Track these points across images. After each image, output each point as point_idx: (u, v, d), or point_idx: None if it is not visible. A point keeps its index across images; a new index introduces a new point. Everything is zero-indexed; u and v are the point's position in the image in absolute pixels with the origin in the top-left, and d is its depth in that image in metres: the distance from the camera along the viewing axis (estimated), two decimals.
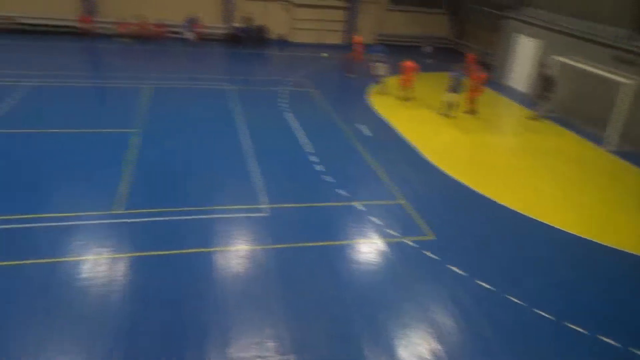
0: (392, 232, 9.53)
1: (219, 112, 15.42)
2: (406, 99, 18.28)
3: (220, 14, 25.95)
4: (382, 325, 7.10)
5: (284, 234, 9.14)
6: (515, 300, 7.85)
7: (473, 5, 26.20)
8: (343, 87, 20.52)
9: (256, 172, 11.42)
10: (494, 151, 14.36)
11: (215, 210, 9.69)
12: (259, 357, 6.38)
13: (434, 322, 7.27)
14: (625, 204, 11.63)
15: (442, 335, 7.02)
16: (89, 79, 18.23)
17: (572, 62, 16.61)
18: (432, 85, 19.84)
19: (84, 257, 7.94)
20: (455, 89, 16.26)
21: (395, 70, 18.59)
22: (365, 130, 14.87)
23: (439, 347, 6.82)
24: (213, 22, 25.76)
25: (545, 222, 10.43)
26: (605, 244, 9.82)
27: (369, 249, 8.99)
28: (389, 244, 9.12)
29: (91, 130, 13.01)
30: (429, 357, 6.63)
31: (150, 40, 24.13)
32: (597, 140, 15.62)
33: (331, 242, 9.04)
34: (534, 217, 10.58)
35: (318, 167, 12.00)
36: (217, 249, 8.50)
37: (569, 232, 10.14)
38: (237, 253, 8.47)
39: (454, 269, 8.53)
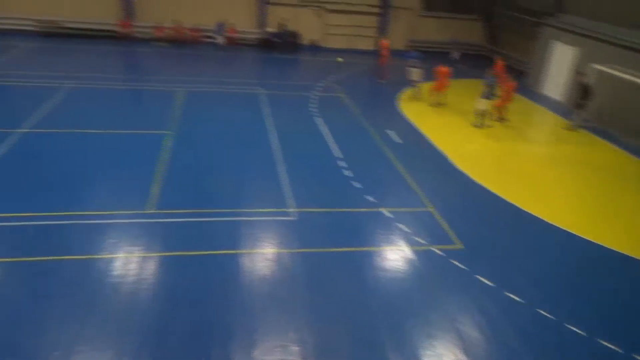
0: (419, 239, 9.44)
1: (250, 115, 15.62)
2: (438, 105, 18.13)
3: (253, 19, 26.31)
4: (408, 334, 7.04)
5: (311, 238, 9.18)
6: (546, 314, 7.65)
7: (508, 12, 25.77)
8: (373, 93, 20.48)
9: (285, 176, 11.51)
10: (526, 160, 14.06)
11: (243, 212, 9.81)
12: None
13: (460, 332, 7.16)
14: None
15: (468, 347, 6.91)
16: (126, 81, 18.76)
17: (610, 71, 16.12)
18: (462, 92, 19.64)
19: (116, 255, 8.16)
20: (488, 95, 16.01)
21: (430, 75, 18.47)
22: (395, 136, 14.79)
23: (465, 358, 6.72)
24: (247, 28, 26.15)
25: (577, 234, 10.14)
26: None
27: (396, 256, 8.92)
28: (416, 252, 9.04)
29: (127, 132, 13.37)
30: None
31: (185, 44, 24.70)
32: (636, 152, 15.10)
33: (358, 248, 9.02)
34: (566, 229, 10.30)
35: (346, 173, 12.01)
36: (244, 251, 8.60)
37: (603, 245, 9.84)
38: (264, 256, 8.55)
39: (482, 279, 8.39)
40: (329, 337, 6.87)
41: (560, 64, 20.43)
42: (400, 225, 9.87)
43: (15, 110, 14.26)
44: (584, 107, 16.70)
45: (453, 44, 25.81)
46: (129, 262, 8.01)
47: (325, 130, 14.83)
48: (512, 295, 8.03)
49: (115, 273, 7.73)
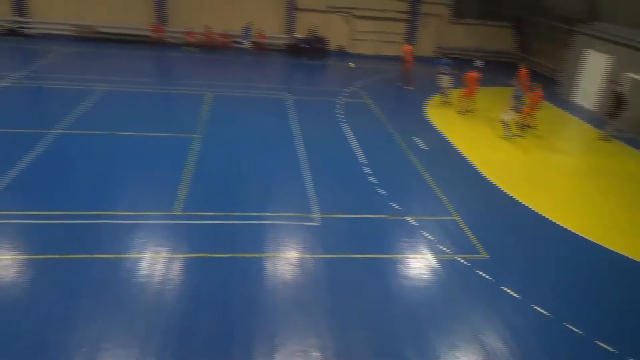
0: (444, 248, 9.33)
1: (276, 120, 15.76)
2: (466, 112, 17.94)
3: (282, 25, 26.58)
4: (430, 344, 6.96)
5: (334, 244, 9.18)
6: (574, 329, 7.45)
7: (539, 19, 25.34)
8: (400, 99, 20.40)
9: (310, 181, 11.56)
10: (556, 170, 13.75)
11: (268, 216, 9.89)
12: None
13: (484, 344, 7.04)
14: None
15: (492, 359, 6.78)
16: (156, 85, 19.17)
17: None
18: (490, 99, 19.39)
19: (143, 255, 8.33)
20: (516, 107, 15.65)
21: (459, 83, 18.32)
22: (421, 143, 14.69)
23: None
24: (275, 33, 26.43)
25: (608, 247, 9.85)
26: None
27: (420, 264, 8.84)
28: (440, 261, 8.94)
29: (156, 134, 13.66)
30: None
31: (215, 49, 25.13)
32: None
33: (381, 255, 8.98)
34: (597, 242, 10.03)
35: (371, 179, 11.97)
36: (268, 254, 8.66)
37: (635, 259, 9.53)
38: (287, 260, 8.59)
39: (508, 290, 8.23)
40: (350, 344, 6.84)
41: (593, 73, 19.94)
42: (425, 234, 9.79)
43: (52, 112, 14.76)
44: (618, 117, 16.24)
45: (477, 51, 25.50)
46: (155, 263, 8.17)
47: (351, 136, 14.84)
48: (538, 308, 7.86)
49: (141, 273, 7.88)
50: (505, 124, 15.63)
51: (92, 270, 7.85)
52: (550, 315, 7.73)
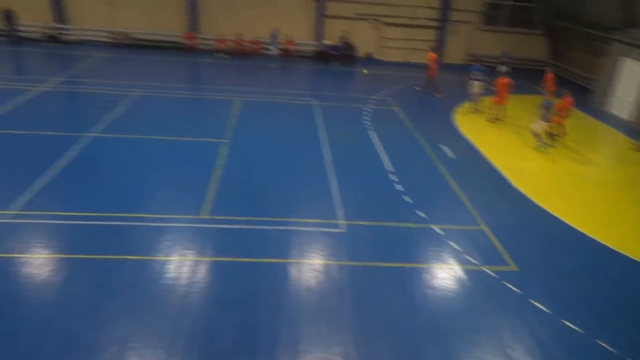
0: (471, 259, 9.19)
1: (304, 126, 15.85)
2: (495, 120, 17.68)
3: (311, 32, 26.78)
4: (454, 356, 6.86)
5: (359, 251, 9.16)
6: (606, 346, 7.23)
7: (573, 26, 24.80)
8: (428, 106, 20.25)
9: (336, 188, 11.57)
10: (588, 181, 13.39)
11: (293, 222, 9.94)
12: None
13: (510, 358, 6.89)
14: None
15: None
16: (187, 90, 19.57)
17: None
18: (520, 107, 19.07)
19: (170, 258, 8.49)
20: (545, 117, 15.21)
21: (490, 90, 18.09)
22: (449, 151, 14.53)
23: None
24: (304, 39, 26.64)
25: None
26: None
27: (446, 274, 8.73)
28: (466, 271, 8.81)
29: (186, 139, 13.92)
30: None
31: (245, 56, 25.51)
32: None
33: (406, 264, 8.90)
34: (630, 256, 9.71)
35: (398, 187, 11.91)
36: (293, 260, 8.70)
37: None
38: (312, 267, 8.61)
39: (537, 304, 8.04)
40: (373, 353, 6.81)
41: (629, 82, 19.37)
42: (451, 243, 9.66)
43: (87, 116, 15.22)
44: None
45: (502, 57, 25.07)
46: (182, 265, 8.31)
47: (377, 143, 14.80)
48: (568, 323, 7.65)
49: (169, 275, 8.03)
50: (536, 135, 15.26)
51: (122, 271, 8.04)
52: (581, 330, 7.52)
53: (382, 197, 11.41)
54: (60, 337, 6.62)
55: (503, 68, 22.84)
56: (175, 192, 10.85)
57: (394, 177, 12.43)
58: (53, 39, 25.04)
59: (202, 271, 8.21)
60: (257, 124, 15.72)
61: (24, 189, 10.31)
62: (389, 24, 26.98)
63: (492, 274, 8.78)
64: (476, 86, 18.69)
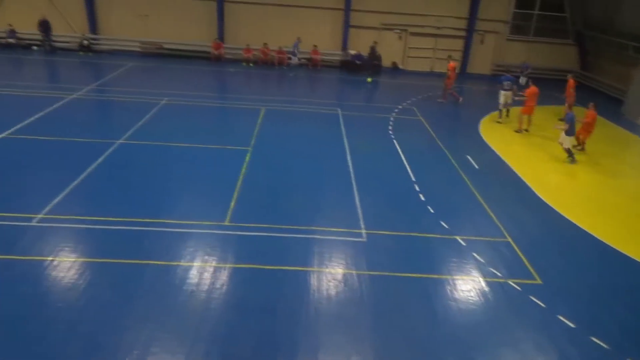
0: (495, 271, 9.02)
1: (328, 135, 15.89)
2: (521, 130, 17.38)
3: (337, 41, 26.92)
4: None
5: (381, 261, 9.09)
6: None
7: (604, 36, 24.28)
8: (454, 116, 20.06)
9: (359, 197, 11.53)
10: (618, 194, 12.99)
11: (315, 230, 9.94)
12: None
13: None
14: None
15: None
16: (214, 99, 19.88)
17: None
18: (549, 118, 18.70)
19: (193, 263, 8.58)
20: (570, 131, 14.60)
21: (519, 102, 17.84)
22: (474, 161, 14.34)
23: None
24: (330, 49, 26.80)
25: None
26: None
27: (468, 286, 8.58)
28: (490, 284, 8.64)
29: (211, 146, 14.12)
30: None
31: (271, 65, 25.81)
32: None
33: (428, 275, 8.79)
34: None
35: (421, 197, 11.80)
36: (313, 269, 8.69)
37: None
38: (333, 275, 8.58)
39: (563, 319, 7.82)
40: None
41: None
42: (475, 255, 9.50)
43: (116, 124, 15.65)
44: None
45: (522, 68, 24.66)
46: (204, 271, 8.39)
47: (402, 152, 14.72)
48: (597, 340, 7.41)
49: (191, 281, 8.12)
50: (567, 151, 14.81)
51: (145, 276, 8.16)
52: (609, 347, 7.27)
53: (405, 207, 11.32)
54: (84, 339, 6.75)
55: (522, 79, 22.54)
56: (200, 198, 10.99)
57: (417, 187, 12.32)
58: (86, 48, 25.85)
59: (223, 277, 8.27)
60: (282, 132, 15.84)
61: (54, 194, 10.60)
62: (414, 34, 26.94)
63: (516, 286, 8.59)
64: (505, 96, 18.45)
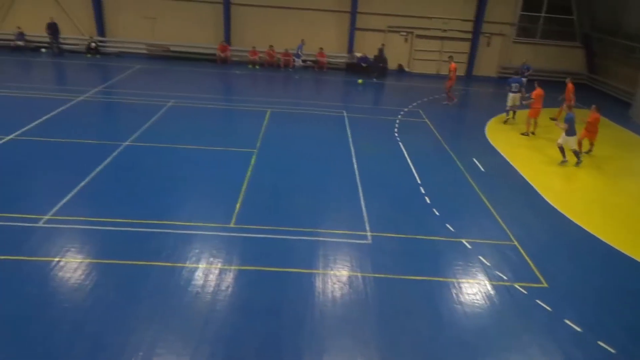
0: (501, 274, 8.97)
1: (333, 138, 15.90)
2: (528, 133, 17.30)
3: (343, 44, 26.94)
4: None
5: (386, 263, 9.06)
6: None
7: (612, 39, 24.15)
8: (460, 119, 20.02)
9: (364, 199, 11.52)
10: (626, 197, 12.89)
11: (321, 232, 9.93)
12: None
13: None
14: None
15: None
16: (220, 101, 19.95)
17: None
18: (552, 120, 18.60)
19: (198, 265, 8.60)
20: (571, 131, 14.46)
21: (526, 105, 17.76)
22: (480, 164, 14.29)
23: None
24: (335, 52, 26.83)
25: None
26: None
27: (474, 290, 8.54)
28: (496, 287, 8.60)
29: (217, 148, 14.16)
30: None
31: (277, 67, 25.87)
32: None
33: (433, 278, 8.76)
34: None
35: (426, 199, 11.77)
36: (318, 271, 8.68)
37: None
38: (338, 278, 8.57)
39: (570, 323, 7.76)
40: None
41: None
42: (481, 258, 9.46)
43: (123, 125, 15.74)
44: None
45: (522, 69, 24.51)
46: (209, 273, 8.40)
47: (407, 155, 14.69)
48: (604, 345, 7.34)
49: (196, 282, 8.13)
50: (575, 152, 14.70)
51: (150, 277, 8.19)
52: (615, 352, 7.21)
53: (411, 209, 11.29)
54: (89, 340, 6.77)
55: (523, 80, 22.41)
56: (206, 200, 11.02)
57: (423, 190, 12.29)
58: (94, 51, 26.02)
59: (229, 279, 8.28)
60: (288, 134, 15.86)
61: (61, 195, 10.66)
62: (420, 37, 26.92)
63: (522, 290, 8.54)
64: (513, 98, 18.39)
